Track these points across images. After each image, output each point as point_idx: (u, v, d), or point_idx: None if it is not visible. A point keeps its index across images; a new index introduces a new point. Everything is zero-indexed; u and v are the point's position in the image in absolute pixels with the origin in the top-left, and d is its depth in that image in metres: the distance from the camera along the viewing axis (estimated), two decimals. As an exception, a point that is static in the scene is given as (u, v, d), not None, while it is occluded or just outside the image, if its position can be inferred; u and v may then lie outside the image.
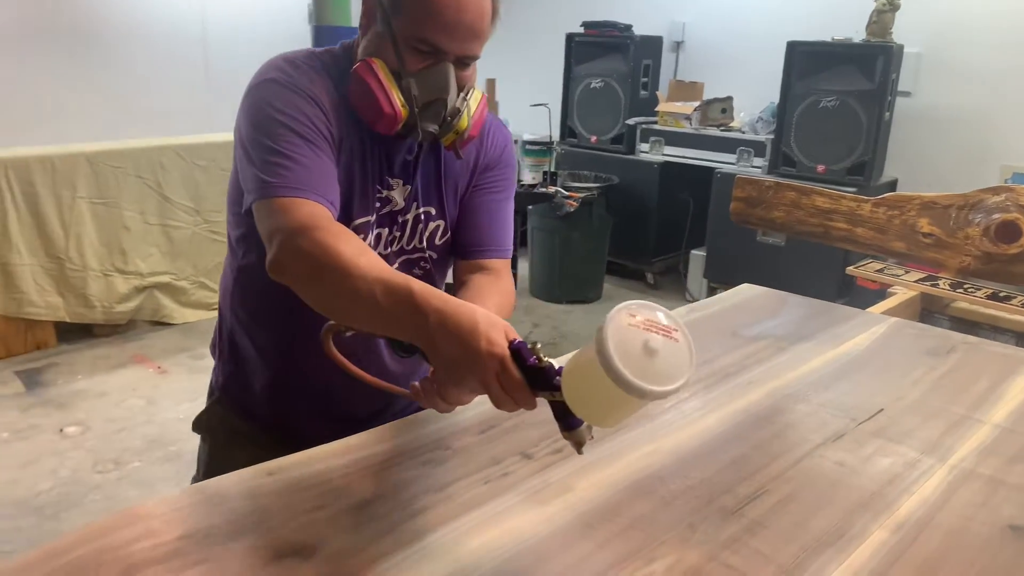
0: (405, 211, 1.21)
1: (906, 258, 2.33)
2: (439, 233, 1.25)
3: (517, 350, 0.83)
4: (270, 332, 1.26)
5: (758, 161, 4.30)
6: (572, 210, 3.84)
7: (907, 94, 4.18)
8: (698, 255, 4.62)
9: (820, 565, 0.86)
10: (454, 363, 0.85)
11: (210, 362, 1.37)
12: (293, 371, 1.25)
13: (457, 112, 1.12)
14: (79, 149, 3.58)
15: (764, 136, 4.29)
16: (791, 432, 1.17)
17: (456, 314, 0.85)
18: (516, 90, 5.54)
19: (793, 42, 4.05)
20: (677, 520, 0.93)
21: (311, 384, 1.24)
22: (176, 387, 3.27)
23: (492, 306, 1.07)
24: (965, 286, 2.13)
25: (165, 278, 3.92)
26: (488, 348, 0.82)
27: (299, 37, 4.95)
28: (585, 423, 0.83)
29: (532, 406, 0.85)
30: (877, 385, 1.35)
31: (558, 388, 0.81)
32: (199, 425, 1.37)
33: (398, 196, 1.19)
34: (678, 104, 4.65)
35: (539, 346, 0.84)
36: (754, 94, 4.55)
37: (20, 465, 2.67)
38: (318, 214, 1.00)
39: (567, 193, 3.57)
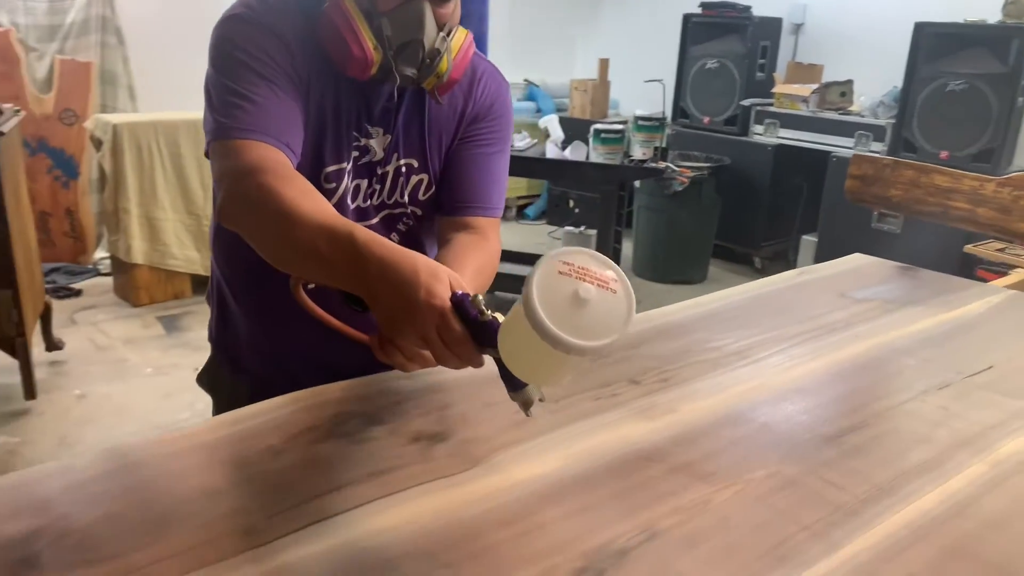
0: (385, 162, 1.14)
1: (1031, 240, 2.26)
2: (423, 188, 1.18)
3: (459, 302, 0.78)
4: (243, 279, 1.19)
5: (876, 146, 4.19)
6: (681, 188, 3.85)
7: (1045, 79, 3.97)
8: (809, 241, 4.54)
9: (917, 487, 0.90)
10: (394, 314, 0.80)
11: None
12: (270, 322, 1.19)
13: (437, 53, 1.03)
14: (219, 115, 3.86)
15: (884, 120, 4.17)
16: (895, 380, 1.20)
17: (397, 263, 0.80)
18: (629, 70, 5.56)
19: (921, 23, 3.91)
20: (777, 442, 0.99)
21: (291, 336, 1.16)
22: (297, 339, 3.50)
23: (471, 268, 1.00)
24: (1093, 268, 2.06)
25: (289, 240, 4.17)
26: (427, 299, 0.77)
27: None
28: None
29: (478, 363, 0.80)
30: (989, 346, 1.35)
31: None
32: (202, 380, 1.32)
33: (377, 146, 1.12)
34: (796, 86, 4.57)
35: (480, 298, 0.78)
36: (876, 78, 4.43)
37: (161, 396, 2.94)
38: (269, 157, 0.94)
39: (677, 168, 3.59)
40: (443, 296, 0.78)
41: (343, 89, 1.08)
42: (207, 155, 1.01)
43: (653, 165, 3.52)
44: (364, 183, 1.14)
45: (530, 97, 5.89)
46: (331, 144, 1.09)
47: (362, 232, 0.83)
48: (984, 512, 0.86)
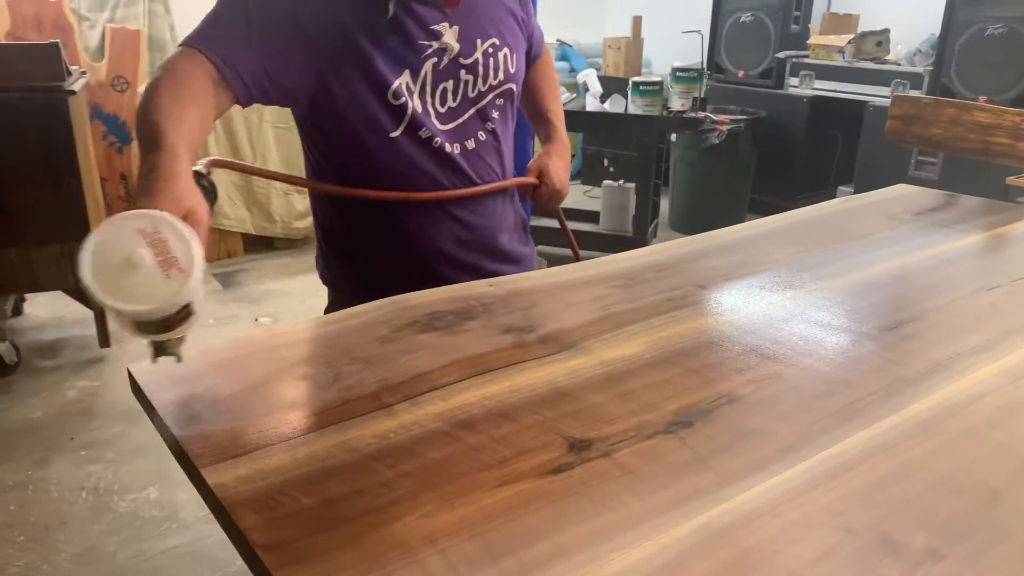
0: (468, 53, 1.23)
1: (1072, 172, 2.30)
2: (511, 60, 1.29)
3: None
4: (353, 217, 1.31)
5: (914, 94, 4.18)
6: (719, 140, 3.89)
7: (1086, 21, 3.94)
8: (845, 191, 4.56)
9: (971, 363, 0.99)
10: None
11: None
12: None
13: None
14: (265, 78, 3.96)
15: (922, 68, 4.17)
16: (946, 283, 1.28)
17: (167, 175, 0.87)
18: (661, 27, 5.57)
19: (959, -33, 3.89)
20: (840, 328, 1.08)
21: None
22: (347, 293, 3.62)
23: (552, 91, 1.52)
24: None
25: (334, 200, 4.28)
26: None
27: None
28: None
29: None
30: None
31: None
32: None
33: (451, 40, 1.20)
34: (831, 37, 4.57)
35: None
36: (913, 26, 4.41)
37: (225, 346, 3.08)
38: (186, 64, 1.03)
39: (716, 118, 3.63)
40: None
41: (380, 13, 1.15)
42: None
43: (692, 116, 3.57)
44: (451, 83, 1.23)
45: (563, 57, 5.92)
46: (386, 63, 1.16)
47: (166, 152, 0.89)
48: (1034, 380, 0.94)
